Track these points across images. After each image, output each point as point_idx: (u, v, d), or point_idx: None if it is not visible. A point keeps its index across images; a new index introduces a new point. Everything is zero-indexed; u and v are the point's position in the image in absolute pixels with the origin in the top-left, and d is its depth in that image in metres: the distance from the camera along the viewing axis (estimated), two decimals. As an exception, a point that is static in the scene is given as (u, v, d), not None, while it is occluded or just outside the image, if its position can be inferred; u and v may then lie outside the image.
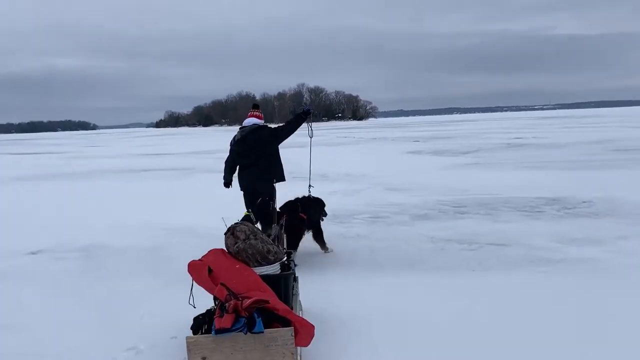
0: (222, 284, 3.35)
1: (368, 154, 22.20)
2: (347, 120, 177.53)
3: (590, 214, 7.99)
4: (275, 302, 3.29)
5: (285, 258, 4.02)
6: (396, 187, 11.81)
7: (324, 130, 66.93)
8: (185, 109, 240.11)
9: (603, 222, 7.40)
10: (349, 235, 7.42)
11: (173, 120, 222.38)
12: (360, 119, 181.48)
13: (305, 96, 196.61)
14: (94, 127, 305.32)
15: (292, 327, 3.15)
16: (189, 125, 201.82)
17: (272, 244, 3.91)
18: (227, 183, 6.51)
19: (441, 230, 7.29)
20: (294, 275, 4.08)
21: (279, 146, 6.36)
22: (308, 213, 6.37)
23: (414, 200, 9.87)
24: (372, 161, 18.71)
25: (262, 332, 3.08)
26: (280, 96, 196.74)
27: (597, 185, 10.70)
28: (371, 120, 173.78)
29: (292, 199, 6.59)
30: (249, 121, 6.39)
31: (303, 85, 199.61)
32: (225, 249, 3.78)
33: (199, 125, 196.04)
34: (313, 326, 3.33)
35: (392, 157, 19.85)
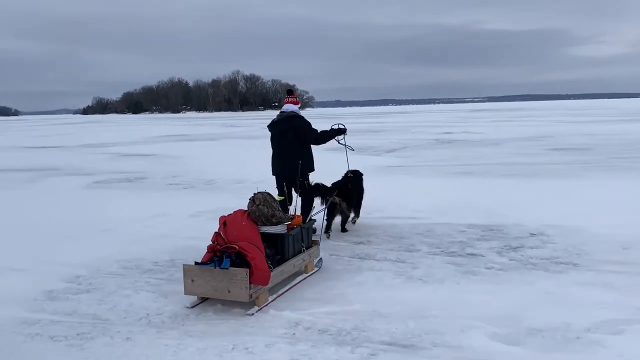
0: (216, 232, 4.63)
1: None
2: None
3: (546, 262, 5.38)
4: (250, 250, 4.38)
5: (288, 222, 5.06)
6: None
7: (253, 120, 63.30)
8: (115, 95, 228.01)
9: (570, 282, 4.78)
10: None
11: (101, 107, 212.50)
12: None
13: (240, 84, 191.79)
14: (16, 113, 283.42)
15: (248, 269, 4.23)
16: (117, 112, 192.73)
17: (279, 211, 4.94)
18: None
19: (305, 308, 4.35)
20: (306, 238, 5.34)
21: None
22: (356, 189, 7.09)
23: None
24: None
25: (227, 269, 4.27)
26: (215, 83, 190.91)
27: (545, 203, 8.26)
28: (308, 110, 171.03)
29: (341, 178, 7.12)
30: (287, 107, 6.68)
31: (238, 72, 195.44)
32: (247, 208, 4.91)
33: (129, 112, 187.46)
34: (268, 271, 4.37)
35: None
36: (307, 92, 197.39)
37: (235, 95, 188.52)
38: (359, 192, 7.24)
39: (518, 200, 8.52)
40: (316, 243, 5.51)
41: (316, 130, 6.68)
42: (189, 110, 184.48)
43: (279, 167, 6.65)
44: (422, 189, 9.87)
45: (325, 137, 6.69)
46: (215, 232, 4.63)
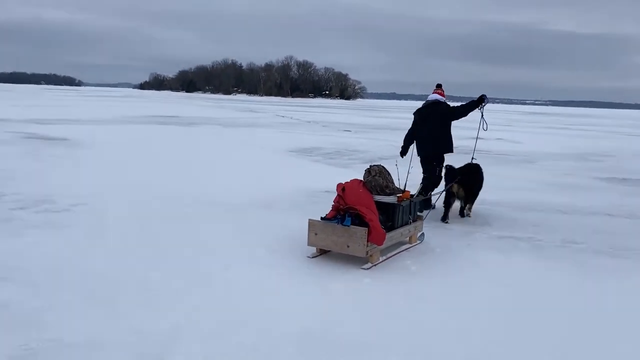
0: (338, 195, 5.11)
1: (224, 152, 14.70)
2: (334, 98, 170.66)
3: None
4: (368, 213, 4.89)
5: (399, 195, 5.50)
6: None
7: (290, 106, 59.06)
8: (172, 73, 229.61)
9: None
10: None
11: (157, 83, 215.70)
12: (348, 98, 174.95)
13: (293, 69, 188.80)
14: (79, 84, 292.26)
15: (367, 229, 4.78)
16: (172, 89, 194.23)
17: (392, 183, 5.50)
18: (403, 151, 7.60)
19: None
20: (413, 212, 5.79)
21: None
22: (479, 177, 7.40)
23: None
24: (195, 172, 11.34)
25: (349, 226, 4.84)
26: (268, 67, 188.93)
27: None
28: (359, 100, 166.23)
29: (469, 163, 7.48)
30: (432, 97, 7.58)
31: (291, 58, 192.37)
32: (362, 179, 5.47)
33: (182, 90, 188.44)
34: (384, 233, 4.89)
35: (238, 167, 12.05)
36: (359, 82, 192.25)
37: (286, 80, 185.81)
38: (479, 181, 7.40)
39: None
40: (420, 218, 6.02)
41: (456, 107, 7.42)
42: (240, 92, 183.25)
43: (425, 148, 7.43)
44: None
45: (467, 108, 7.32)
46: (338, 195, 5.12)
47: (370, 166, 5.54)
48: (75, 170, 9.83)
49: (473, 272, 4.92)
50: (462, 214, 7.20)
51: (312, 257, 5.07)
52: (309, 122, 28.51)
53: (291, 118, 31.93)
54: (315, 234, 5.02)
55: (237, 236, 5.76)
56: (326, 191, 8.31)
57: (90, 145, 13.51)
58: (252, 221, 6.45)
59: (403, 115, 44.80)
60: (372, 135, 20.34)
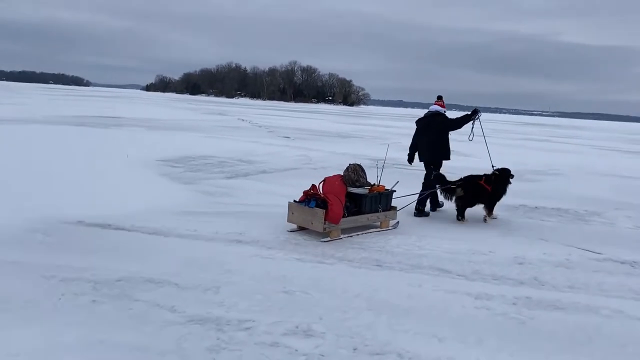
0: (313, 184, 6.61)
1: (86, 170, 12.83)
2: (337, 104, 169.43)
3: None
4: (332, 199, 6.28)
5: (369, 188, 6.95)
6: None
7: (268, 110, 57.43)
8: (177, 75, 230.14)
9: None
10: None
11: (163, 85, 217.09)
12: (352, 104, 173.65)
13: (297, 74, 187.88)
14: (87, 84, 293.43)
15: (324, 210, 6.15)
16: (177, 91, 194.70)
17: (364, 178, 6.90)
18: (409, 159, 8.58)
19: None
20: (384, 202, 7.07)
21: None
22: (493, 186, 7.88)
23: None
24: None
25: (313, 208, 6.24)
26: (271, 72, 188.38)
27: None
28: (361, 107, 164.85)
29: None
30: (432, 107, 8.41)
31: (295, 63, 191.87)
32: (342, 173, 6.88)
33: (187, 92, 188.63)
34: (339, 215, 6.29)
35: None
36: (362, 89, 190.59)
37: (290, 85, 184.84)
38: (496, 191, 7.91)
39: None
40: (394, 208, 7.24)
41: (453, 119, 8.29)
42: (243, 96, 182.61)
43: (424, 155, 8.30)
44: None
45: (461, 121, 8.19)
46: (313, 184, 6.58)
47: (349, 164, 6.97)
48: None
49: None
50: (458, 218, 7.96)
51: (291, 232, 6.56)
52: (260, 127, 26.75)
53: (249, 122, 30.25)
54: (292, 213, 6.51)
55: None
56: (78, 221, 6.47)
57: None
58: None
59: (389, 123, 43.12)
60: (303, 144, 18.51)
